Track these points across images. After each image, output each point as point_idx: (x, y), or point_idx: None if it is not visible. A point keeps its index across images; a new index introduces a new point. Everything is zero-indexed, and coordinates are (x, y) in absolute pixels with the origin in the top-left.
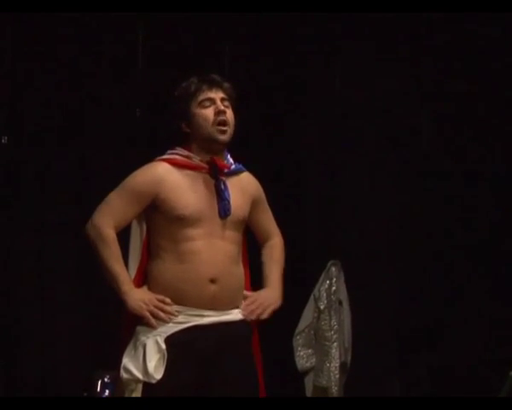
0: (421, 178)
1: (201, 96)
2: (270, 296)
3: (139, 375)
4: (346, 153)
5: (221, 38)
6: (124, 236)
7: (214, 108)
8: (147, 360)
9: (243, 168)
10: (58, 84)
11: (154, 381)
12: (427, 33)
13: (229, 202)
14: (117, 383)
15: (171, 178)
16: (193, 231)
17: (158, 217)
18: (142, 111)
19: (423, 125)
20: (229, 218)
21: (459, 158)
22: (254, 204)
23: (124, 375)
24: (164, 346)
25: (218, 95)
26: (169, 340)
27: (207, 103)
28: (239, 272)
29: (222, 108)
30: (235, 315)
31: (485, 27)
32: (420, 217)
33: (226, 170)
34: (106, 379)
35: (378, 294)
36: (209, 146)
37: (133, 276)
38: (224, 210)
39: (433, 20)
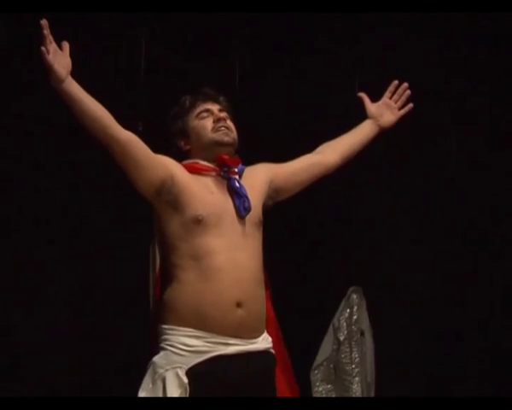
0: (448, 200)
1: (198, 109)
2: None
3: None
4: (369, 173)
5: (228, 47)
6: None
7: (213, 117)
8: (167, 395)
9: (244, 166)
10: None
11: None
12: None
13: (247, 197)
14: None
15: (186, 176)
16: (213, 241)
17: (174, 223)
18: (145, 125)
19: (452, 145)
20: (247, 220)
21: (488, 180)
22: (274, 177)
23: None
24: (186, 380)
25: (214, 106)
26: (191, 372)
27: (205, 114)
28: (263, 294)
29: (221, 115)
30: (259, 344)
31: None
32: (447, 239)
33: (237, 168)
34: None
35: (404, 323)
36: (213, 154)
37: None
38: (243, 207)
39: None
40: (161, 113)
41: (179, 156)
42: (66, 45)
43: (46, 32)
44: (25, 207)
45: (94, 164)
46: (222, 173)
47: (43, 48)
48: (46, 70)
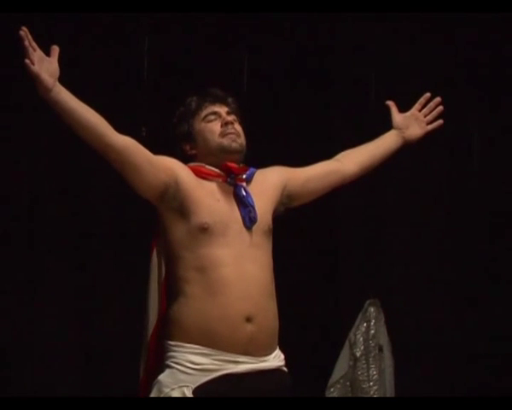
0: (473, 205)
1: (205, 112)
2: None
3: None
4: (387, 182)
5: (237, 48)
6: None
7: (220, 120)
8: None
9: (254, 169)
10: None
11: None
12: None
13: (253, 207)
14: None
15: (192, 180)
16: (219, 252)
17: (179, 231)
18: (148, 131)
19: (474, 141)
20: (255, 228)
21: None
22: (288, 182)
23: None
24: None
25: (222, 109)
26: (198, 392)
27: (212, 117)
28: (274, 308)
29: (229, 119)
30: (271, 362)
31: None
32: (470, 246)
33: (244, 175)
34: None
35: (426, 338)
36: (219, 160)
37: (154, 323)
38: (249, 218)
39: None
40: (166, 116)
41: (184, 160)
42: (55, 50)
43: (27, 43)
44: (26, 214)
45: (96, 168)
46: (228, 180)
47: (27, 60)
48: (32, 80)
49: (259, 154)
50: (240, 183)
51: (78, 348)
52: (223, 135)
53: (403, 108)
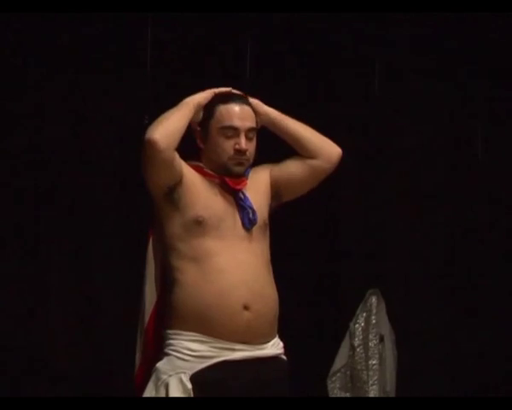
0: (475, 193)
1: (226, 123)
2: None
3: None
4: (387, 164)
5: (240, 39)
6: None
7: (235, 142)
8: None
9: (249, 169)
10: (59, 90)
11: None
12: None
13: (253, 209)
14: None
15: (192, 176)
16: (212, 243)
17: (175, 223)
18: (151, 118)
19: (478, 134)
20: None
21: None
22: (275, 178)
23: None
24: (190, 385)
25: (244, 124)
26: (195, 378)
27: (230, 133)
28: (273, 295)
29: (244, 147)
30: (269, 350)
31: None
32: (475, 235)
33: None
34: None
35: (428, 327)
36: (221, 173)
37: (150, 312)
38: (248, 219)
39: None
40: (169, 104)
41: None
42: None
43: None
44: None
45: (95, 160)
46: (224, 186)
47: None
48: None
49: (260, 140)
50: (237, 188)
51: (77, 338)
52: (232, 159)
53: (408, 104)
